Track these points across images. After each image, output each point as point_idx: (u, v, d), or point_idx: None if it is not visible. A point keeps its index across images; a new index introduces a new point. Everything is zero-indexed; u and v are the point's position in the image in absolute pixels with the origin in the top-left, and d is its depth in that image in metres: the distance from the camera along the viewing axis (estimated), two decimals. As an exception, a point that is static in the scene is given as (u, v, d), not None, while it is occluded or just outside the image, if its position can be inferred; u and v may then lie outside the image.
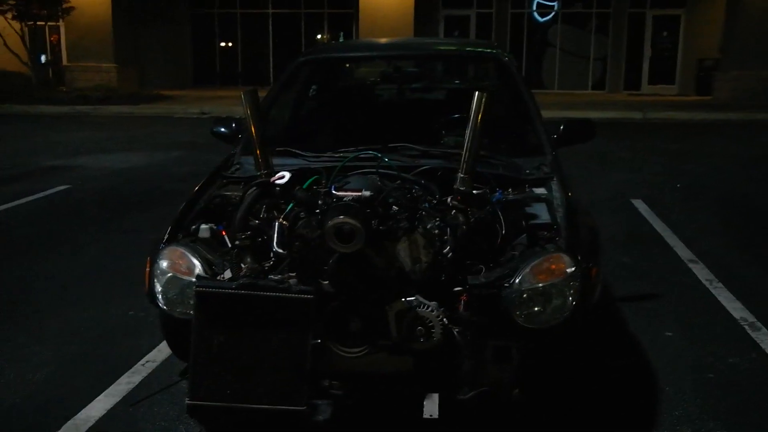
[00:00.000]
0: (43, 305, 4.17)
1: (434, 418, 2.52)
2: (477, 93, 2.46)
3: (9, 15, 17.99)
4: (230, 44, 22.54)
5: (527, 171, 3.05)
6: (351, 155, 2.81)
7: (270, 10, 21.86)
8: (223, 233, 2.71)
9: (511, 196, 2.78)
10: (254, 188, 2.56)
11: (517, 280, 2.30)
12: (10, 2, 17.82)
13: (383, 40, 6.15)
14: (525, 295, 2.29)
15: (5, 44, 17.74)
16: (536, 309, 2.30)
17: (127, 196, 7.26)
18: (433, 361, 2.35)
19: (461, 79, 7.28)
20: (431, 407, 2.56)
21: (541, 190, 2.92)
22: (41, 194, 7.22)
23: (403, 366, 2.37)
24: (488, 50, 4.61)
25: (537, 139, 3.45)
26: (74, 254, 5.21)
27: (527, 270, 2.31)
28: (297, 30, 21.82)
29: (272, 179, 2.56)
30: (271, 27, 22.06)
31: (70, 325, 3.85)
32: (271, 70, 21.41)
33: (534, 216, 2.70)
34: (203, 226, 2.69)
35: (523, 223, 2.62)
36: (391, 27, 18.59)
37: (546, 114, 3.87)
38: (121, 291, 4.33)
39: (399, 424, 2.75)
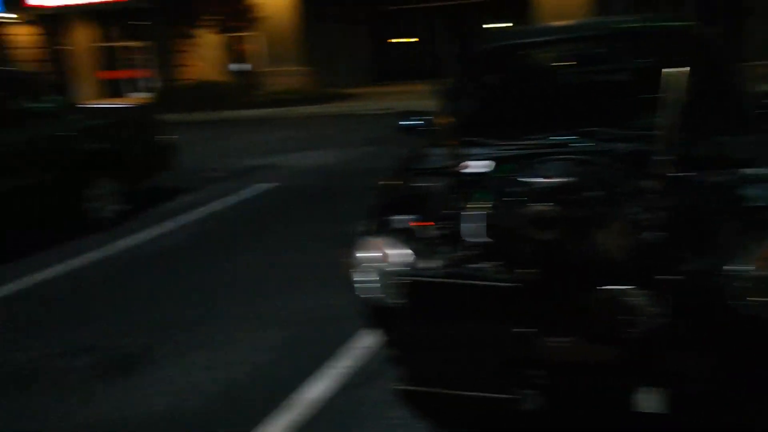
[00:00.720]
0: (256, 293, 4.55)
1: (647, 413, 2.44)
2: (672, 71, 2.36)
3: (209, 29, 19.62)
4: (407, 39, 22.98)
5: (732, 150, 2.88)
6: (543, 141, 2.80)
7: (440, 3, 21.98)
8: (419, 224, 2.82)
9: (715, 177, 2.64)
10: (446, 178, 2.63)
11: (737, 267, 2.17)
12: (210, 18, 19.41)
13: (563, 23, 5.99)
14: (747, 283, 2.15)
15: (205, 56, 19.33)
16: (760, 298, 2.14)
17: (324, 191, 7.69)
18: (641, 352, 2.29)
19: (651, 56, 6.92)
20: (644, 400, 2.48)
21: (749, 170, 2.75)
22: (246, 191, 7.84)
23: (610, 356, 2.33)
24: (680, 24, 4.37)
25: (742, 115, 3.24)
26: (280, 246, 5.61)
27: (749, 255, 2.17)
28: (469, 20, 21.78)
29: (462, 169, 2.62)
30: (444, 19, 22.19)
31: (281, 312, 4.18)
32: (448, 62, 21.54)
33: (745, 198, 2.54)
34: (400, 217, 2.81)
35: (733, 205, 2.48)
36: (570, 8, 18.04)
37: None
38: (328, 280, 4.61)
39: (608, 418, 2.70)
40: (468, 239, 2.51)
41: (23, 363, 3.73)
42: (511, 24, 21.03)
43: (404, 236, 2.72)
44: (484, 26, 21.86)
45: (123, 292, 4.81)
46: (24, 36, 25.30)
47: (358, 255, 2.68)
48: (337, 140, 11.75)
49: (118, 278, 5.15)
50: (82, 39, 25.75)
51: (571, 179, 2.35)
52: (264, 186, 8.12)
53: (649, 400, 2.36)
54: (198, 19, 19.59)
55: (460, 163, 2.66)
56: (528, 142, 3.02)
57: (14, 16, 25.06)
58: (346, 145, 11.06)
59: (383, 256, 2.63)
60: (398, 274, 2.37)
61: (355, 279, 2.69)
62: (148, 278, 5.09)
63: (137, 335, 3.99)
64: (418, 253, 2.60)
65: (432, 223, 2.61)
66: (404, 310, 2.29)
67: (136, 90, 24.64)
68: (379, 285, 2.63)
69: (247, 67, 22.30)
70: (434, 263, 2.47)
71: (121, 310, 4.44)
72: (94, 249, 5.82)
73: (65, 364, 3.67)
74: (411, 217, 2.82)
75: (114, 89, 25.25)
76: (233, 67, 21.25)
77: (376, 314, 2.88)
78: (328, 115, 16.28)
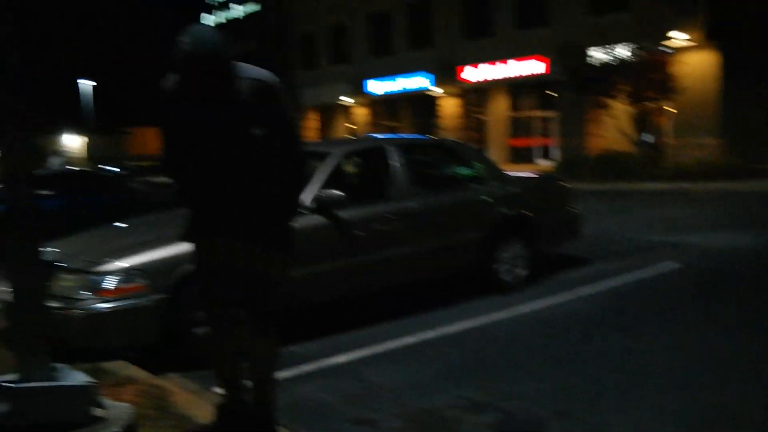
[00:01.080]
0: (659, 379, 4.26)
1: None
2: None
3: (619, 99, 19.55)
4: None
5: None
6: None
7: None
8: None
9: None
10: None
11: None
12: (623, 88, 19.37)
13: None
14: None
15: (612, 126, 19.26)
16: None
17: (736, 279, 6.97)
18: None
19: None
20: None
21: None
22: (651, 269, 7.47)
23: None
24: None
25: None
26: (687, 333, 5.20)
27: None
28: None
29: None
30: None
31: (686, 407, 3.84)
32: None
33: None
34: None
35: None
36: None
37: None
38: (736, 379, 4.14)
39: None
40: None
41: (433, 410, 4.01)
42: None
43: None
44: None
45: (524, 356, 4.91)
46: (449, 107, 28.27)
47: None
48: (755, 222, 10.62)
49: (519, 341, 5.28)
50: (497, 109, 27.78)
51: None
52: (669, 265, 7.65)
53: None
54: (610, 89, 19.70)
55: None
56: None
57: (441, 90, 28.21)
58: (766, 228, 9.92)
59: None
60: None
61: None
62: (548, 345, 5.12)
63: (537, 401, 4.02)
64: None
65: None
66: None
67: (544, 157, 25.63)
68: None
69: (653, 138, 21.66)
70: None
71: (523, 373, 4.53)
72: (499, 309, 6.08)
73: (469, 420, 3.85)
74: None
75: (522, 156, 26.62)
76: (640, 137, 20.79)
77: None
78: (746, 192, 14.86)
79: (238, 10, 38.20)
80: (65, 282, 4.72)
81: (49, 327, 3.21)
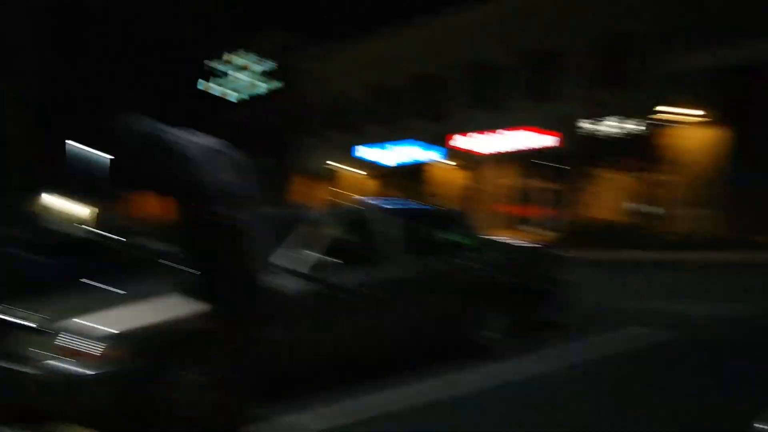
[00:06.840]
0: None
1: None
2: None
3: (618, 171, 19.70)
4: None
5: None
6: None
7: None
8: None
9: None
10: None
11: None
12: (628, 161, 19.58)
13: None
14: None
15: (607, 197, 19.28)
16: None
17: (726, 349, 6.93)
18: None
19: None
20: None
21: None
22: (637, 338, 7.40)
23: None
24: None
25: None
26: (669, 408, 5.14)
27: None
28: None
29: None
30: None
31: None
32: None
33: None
34: None
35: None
36: None
37: None
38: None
39: None
40: None
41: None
42: None
43: None
44: None
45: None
46: (447, 175, 28.27)
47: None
48: (749, 291, 10.54)
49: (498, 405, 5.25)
50: (493, 178, 27.76)
51: None
52: (654, 334, 7.55)
53: None
54: (614, 161, 19.88)
55: None
56: None
57: (441, 159, 28.30)
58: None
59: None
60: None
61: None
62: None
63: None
64: None
65: None
66: None
67: (537, 227, 25.51)
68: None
69: (651, 208, 21.64)
70: None
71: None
72: (474, 374, 6.04)
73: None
74: None
75: (514, 224, 26.48)
76: (635, 207, 20.82)
77: None
78: (740, 263, 14.75)
79: (261, 87, 39.44)
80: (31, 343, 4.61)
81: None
